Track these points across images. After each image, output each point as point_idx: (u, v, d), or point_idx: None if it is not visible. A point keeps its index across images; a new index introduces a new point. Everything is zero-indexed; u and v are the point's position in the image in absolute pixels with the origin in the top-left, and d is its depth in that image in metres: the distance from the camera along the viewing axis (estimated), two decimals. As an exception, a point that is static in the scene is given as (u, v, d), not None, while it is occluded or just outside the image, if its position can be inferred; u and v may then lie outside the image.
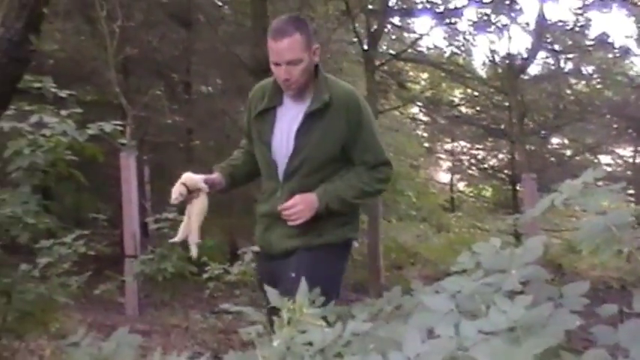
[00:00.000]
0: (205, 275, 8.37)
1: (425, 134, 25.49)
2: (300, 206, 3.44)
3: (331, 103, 3.44)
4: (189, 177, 3.46)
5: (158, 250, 8.58)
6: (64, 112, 5.33)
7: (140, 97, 12.10)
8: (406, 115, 23.67)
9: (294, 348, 2.82)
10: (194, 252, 3.47)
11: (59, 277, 6.73)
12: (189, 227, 3.46)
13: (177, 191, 3.42)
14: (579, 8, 15.93)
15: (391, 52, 17.98)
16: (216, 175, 3.66)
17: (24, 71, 3.40)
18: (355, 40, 14.32)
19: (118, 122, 5.77)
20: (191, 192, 3.46)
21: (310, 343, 2.75)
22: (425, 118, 23.84)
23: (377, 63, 14.51)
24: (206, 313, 8.63)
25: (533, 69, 18.10)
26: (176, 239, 3.48)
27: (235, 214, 14.10)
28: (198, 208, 3.47)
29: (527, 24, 16.34)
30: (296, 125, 3.49)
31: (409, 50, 17.02)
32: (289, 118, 3.53)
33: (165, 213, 7.69)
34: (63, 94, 5.40)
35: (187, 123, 14.58)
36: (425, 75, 23.02)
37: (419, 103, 21.81)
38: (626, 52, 17.11)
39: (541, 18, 15.45)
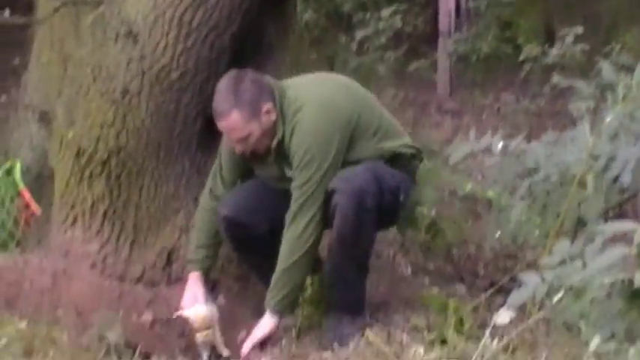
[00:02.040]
0: (521, 57, 8.09)
1: None
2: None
3: (284, 141, 3.06)
4: (199, 318, 3.18)
5: (473, 29, 8.39)
6: None
7: None
8: None
9: (627, 125, 2.64)
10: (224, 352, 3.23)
11: (376, 51, 6.86)
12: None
13: (206, 345, 3.20)
14: None
15: None
16: (200, 283, 3.25)
17: None
18: None
19: None
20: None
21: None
22: None
23: None
24: (519, 95, 8.43)
25: None
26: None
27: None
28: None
29: None
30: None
31: None
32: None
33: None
34: None
35: None
36: None
37: None
38: None
39: None
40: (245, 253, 3.28)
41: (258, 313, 3.21)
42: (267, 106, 3.03)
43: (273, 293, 3.09)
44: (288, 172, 3.14)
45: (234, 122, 3.00)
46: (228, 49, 3.37)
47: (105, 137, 3.38)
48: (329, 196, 3.05)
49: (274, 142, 3.07)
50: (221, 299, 3.46)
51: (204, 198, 3.31)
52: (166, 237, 3.49)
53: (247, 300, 3.46)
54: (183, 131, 3.46)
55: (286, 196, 3.11)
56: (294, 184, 3.06)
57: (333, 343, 3.03)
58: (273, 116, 3.04)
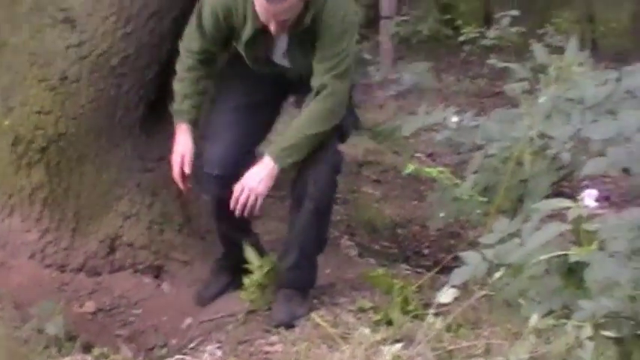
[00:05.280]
0: (460, 38, 8.26)
1: None
2: (245, 193, 2.99)
3: (316, 23, 2.99)
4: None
5: (414, 12, 8.45)
6: None
7: None
8: None
9: (560, 105, 2.69)
10: None
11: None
12: None
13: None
14: None
15: None
16: (189, 135, 3.16)
17: None
18: None
19: None
20: None
21: (580, 101, 2.60)
22: None
23: None
24: (460, 76, 8.54)
25: None
26: None
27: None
28: None
29: None
30: (284, 46, 3.09)
31: None
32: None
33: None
34: None
35: None
36: None
37: None
38: None
39: None
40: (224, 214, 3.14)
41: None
42: None
43: (287, 152, 3.00)
44: (278, 57, 3.12)
45: (294, 5, 2.89)
46: (170, 34, 3.32)
47: (43, 125, 3.33)
48: (295, 179, 3.08)
49: (307, 19, 2.98)
50: (166, 285, 3.45)
51: (184, 52, 3.16)
52: (109, 224, 3.45)
53: (192, 285, 3.44)
54: (125, 117, 3.42)
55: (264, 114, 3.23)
56: (327, 53, 3.01)
57: (282, 325, 3.03)
58: None
